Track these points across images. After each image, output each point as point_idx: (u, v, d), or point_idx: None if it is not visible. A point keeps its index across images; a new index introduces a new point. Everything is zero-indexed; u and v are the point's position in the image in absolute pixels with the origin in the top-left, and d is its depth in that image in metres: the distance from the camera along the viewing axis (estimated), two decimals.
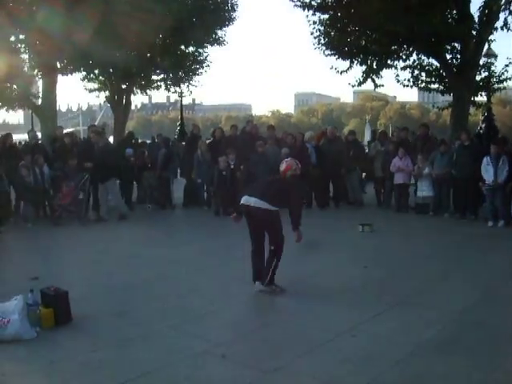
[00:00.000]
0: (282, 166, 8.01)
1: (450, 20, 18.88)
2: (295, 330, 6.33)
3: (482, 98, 21.77)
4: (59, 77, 23.16)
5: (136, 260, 9.93)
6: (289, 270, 8.82)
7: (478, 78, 19.86)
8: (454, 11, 18.96)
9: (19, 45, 22.15)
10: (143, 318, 6.76)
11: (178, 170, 17.91)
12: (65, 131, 20.53)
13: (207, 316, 6.89)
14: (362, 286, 8.11)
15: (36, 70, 22.49)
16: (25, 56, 22.82)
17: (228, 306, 7.27)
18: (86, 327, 6.43)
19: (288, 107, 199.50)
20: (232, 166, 14.65)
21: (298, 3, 19.78)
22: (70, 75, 24.21)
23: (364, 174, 17.58)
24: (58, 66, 22.64)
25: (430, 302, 7.27)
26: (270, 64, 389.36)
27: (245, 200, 7.78)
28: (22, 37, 21.76)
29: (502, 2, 17.89)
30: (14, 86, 22.33)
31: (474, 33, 18.74)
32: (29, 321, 6.17)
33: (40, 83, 23.90)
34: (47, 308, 6.43)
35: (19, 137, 32.33)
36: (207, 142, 17.01)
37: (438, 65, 20.04)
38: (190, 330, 6.37)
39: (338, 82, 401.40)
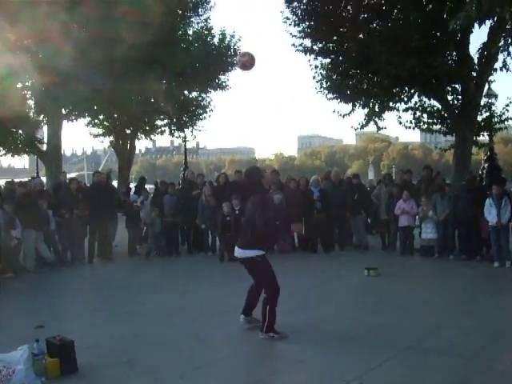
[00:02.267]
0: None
1: (450, 62, 19.11)
2: (304, 378, 6.27)
3: (483, 137, 21.94)
4: (64, 122, 23.42)
5: (141, 307, 9.88)
6: (296, 316, 8.81)
7: (479, 118, 20.04)
8: (454, 53, 19.22)
9: (25, 91, 22.43)
10: (152, 367, 6.67)
11: None
12: (69, 176, 20.63)
13: (215, 364, 6.82)
14: (368, 331, 8.03)
15: (42, 116, 22.73)
16: (31, 102, 23.10)
17: (236, 353, 7.20)
18: (93, 377, 6.36)
19: (291, 150, 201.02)
20: (237, 212, 14.59)
21: (300, 48, 20.10)
22: (75, 121, 24.48)
23: (368, 218, 17.58)
24: (64, 112, 22.88)
25: (438, 347, 7.17)
26: (272, 107, 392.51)
27: (235, 252, 7.86)
28: (28, 83, 22.03)
29: (501, 44, 18.11)
30: (20, 132, 22.55)
31: (474, 74, 18.98)
32: (34, 371, 6.11)
33: (45, 129, 24.15)
34: (53, 358, 6.37)
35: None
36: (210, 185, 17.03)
37: (440, 106, 20.23)
38: (198, 379, 6.30)
39: (340, 123, 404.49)
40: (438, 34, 18.30)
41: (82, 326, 8.40)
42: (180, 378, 6.32)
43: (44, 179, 21.08)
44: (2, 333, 8.11)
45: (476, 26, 16.56)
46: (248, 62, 8.53)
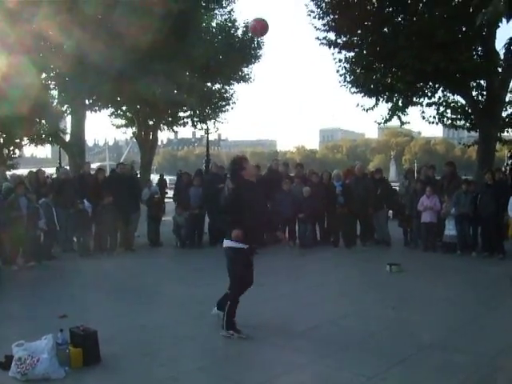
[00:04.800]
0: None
1: (475, 57, 18.90)
2: (325, 374, 6.26)
3: (508, 134, 21.71)
4: (87, 113, 23.55)
5: (162, 298, 9.97)
6: (316, 311, 8.82)
7: (504, 114, 19.81)
8: (480, 48, 19.01)
9: (49, 81, 22.55)
10: (173, 359, 6.70)
11: None
12: (92, 166, 20.77)
13: (237, 358, 6.84)
14: (390, 328, 8.02)
15: (65, 106, 22.85)
16: (54, 92, 23.24)
17: (257, 347, 7.19)
18: (115, 368, 6.40)
19: (313, 143, 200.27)
20: None
21: (324, 41, 20.00)
22: (98, 112, 24.60)
23: (391, 212, 17.47)
24: (87, 102, 23.00)
25: (461, 345, 7.13)
26: (294, 100, 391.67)
27: None
28: (52, 74, 22.16)
29: None
30: (43, 122, 22.69)
31: (500, 70, 18.74)
32: (58, 360, 6.17)
33: (68, 119, 24.31)
34: (76, 348, 6.42)
35: (47, 171, 32.71)
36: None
37: (464, 102, 20.04)
38: (220, 371, 6.33)
39: (362, 117, 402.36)
40: (464, 28, 18.11)
41: (104, 316, 8.45)
42: (200, 371, 6.36)
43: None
44: (27, 322, 8.19)
45: (504, 20, 16.36)
46: (259, 26, 8.36)
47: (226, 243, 7.59)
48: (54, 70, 21.99)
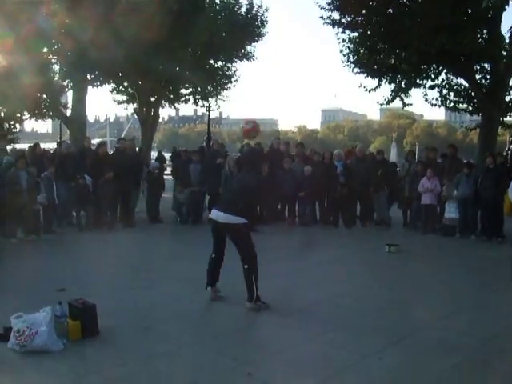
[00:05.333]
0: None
1: (480, 40, 18.78)
2: (321, 351, 6.29)
3: (511, 118, 21.63)
4: (88, 88, 23.44)
5: (161, 274, 10.01)
6: (313, 290, 8.85)
7: (507, 98, 19.71)
8: (485, 31, 18.88)
9: (50, 56, 22.43)
10: (171, 333, 6.75)
11: None
12: (93, 141, 20.74)
13: (235, 333, 6.88)
14: (387, 307, 8.05)
15: (67, 81, 22.75)
16: (56, 67, 23.11)
17: (254, 324, 7.25)
18: (113, 341, 6.44)
19: (314, 123, 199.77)
20: None
21: (328, 21, 19.82)
22: (99, 87, 24.49)
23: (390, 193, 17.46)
24: (89, 77, 22.90)
25: (457, 327, 7.16)
26: (297, 80, 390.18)
27: (214, 215, 7.90)
28: (53, 48, 22.02)
29: None
30: (44, 96, 22.59)
31: (505, 53, 18.63)
32: (56, 333, 6.20)
33: (70, 94, 24.21)
34: (75, 320, 6.45)
35: (47, 145, 32.71)
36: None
37: (467, 85, 19.94)
38: (218, 347, 6.36)
39: (365, 98, 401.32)
40: (470, 11, 17.98)
41: (102, 290, 8.47)
42: (198, 345, 6.39)
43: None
44: (25, 295, 8.20)
45: (511, 3, 16.29)
46: (252, 130, 8.54)
47: (236, 219, 7.63)
48: (56, 45, 21.84)
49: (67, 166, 15.07)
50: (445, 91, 20.25)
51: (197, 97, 30.66)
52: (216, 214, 7.83)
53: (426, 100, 20.44)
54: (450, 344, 6.51)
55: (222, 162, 15.85)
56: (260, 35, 29.02)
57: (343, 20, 19.67)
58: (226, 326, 7.11)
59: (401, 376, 5.62)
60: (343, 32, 20.09)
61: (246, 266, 7.67)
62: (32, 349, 5.98)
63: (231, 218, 7.65)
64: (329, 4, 19.56)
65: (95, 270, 10.47)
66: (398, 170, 17.45)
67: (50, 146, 33.61)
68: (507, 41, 18.47)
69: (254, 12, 28.73)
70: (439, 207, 15.04)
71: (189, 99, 30.92)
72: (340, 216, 15.96)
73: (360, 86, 20.75)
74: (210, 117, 40.53)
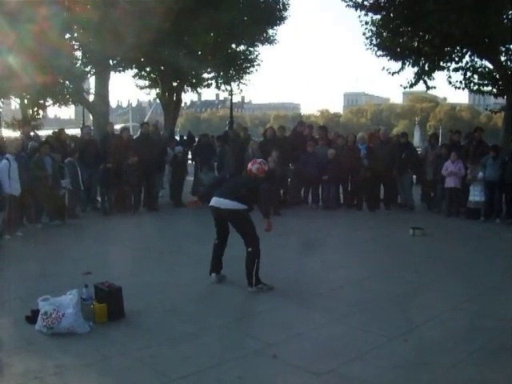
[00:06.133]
0: (251, 165, 8.26)
1: (505, 21, 18.51)
2: (346, 333, 6.30)
3: None
4: (111, 74, 23.51)
5: (185, 257, 10.08)
6: (338, 273, 8.86)
7: None
8: (510, 12, 18.59)
9: (73, 42, 22.50)
10: (196, 315, 6.81)
11: None
12: (115, 127, 20.80)
13: (259, 315, 6.94)
14: (413, 290, 8.05)
15: (89, 67, 22.82)
16: (78, 53, 23.19)
17: (279, 306, 7.23)
18: (139, 323, 6.50)
19: (337, 107, 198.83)
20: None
21: (351, 3, 19.67)
22: (122, 72, 24.54)
23: (414, 176, 17.34)
24: (111, 63, 22.94)
25: (482, 310, 7.14)
26: (319, 63, 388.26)
27: (215, 202, 7.95)
28: (76, 35, 22.09)
29: None
30: (67, 83, 22.70)
31: None
32: (83, 315, 6.27)
33: (92, 80, 24.29)
34: (101, 303, 6.51)
35: (71, 131, 32.88)
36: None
37: (492, 67, 19.69)
38: (242, 329, 6.41)
39: (387, 82, 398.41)
40: None
41: (127, 273, 8.54)
42: (222, 327, 6.44)
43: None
44: (52, 278, 8.30)
45: None
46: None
47: (236, 205, 7.77)
48: (79, 31, 21.89)
49: (89, 152, 15.12)
50: (469, 74, 20.03)
51: (219, 81, 30.56)
52: (216, 201, 7.93)
53: (450, 83, 20.25)
54: (475, 326, 6.49)
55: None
56: (282, 19, 28.74)
57: (366, 2, 19.51)
58: (250, 308, 7.17)
59: (426, 358, 5.59)
60: (366, 14, 19.91)
61: (249, 249, 7.80)
62: (59, 331, 6.05)
63: (230, 203, 7.77)
64: None
65: (120, 253, 10.57)
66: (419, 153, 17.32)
67: (73, 131, 33.74)
68: None
69: None
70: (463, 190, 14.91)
71: (211, 84, 30.82)
72: (364, 199, 15.89)
73: (383, 69, 20.61)
74: (233, 101, 40.41)
